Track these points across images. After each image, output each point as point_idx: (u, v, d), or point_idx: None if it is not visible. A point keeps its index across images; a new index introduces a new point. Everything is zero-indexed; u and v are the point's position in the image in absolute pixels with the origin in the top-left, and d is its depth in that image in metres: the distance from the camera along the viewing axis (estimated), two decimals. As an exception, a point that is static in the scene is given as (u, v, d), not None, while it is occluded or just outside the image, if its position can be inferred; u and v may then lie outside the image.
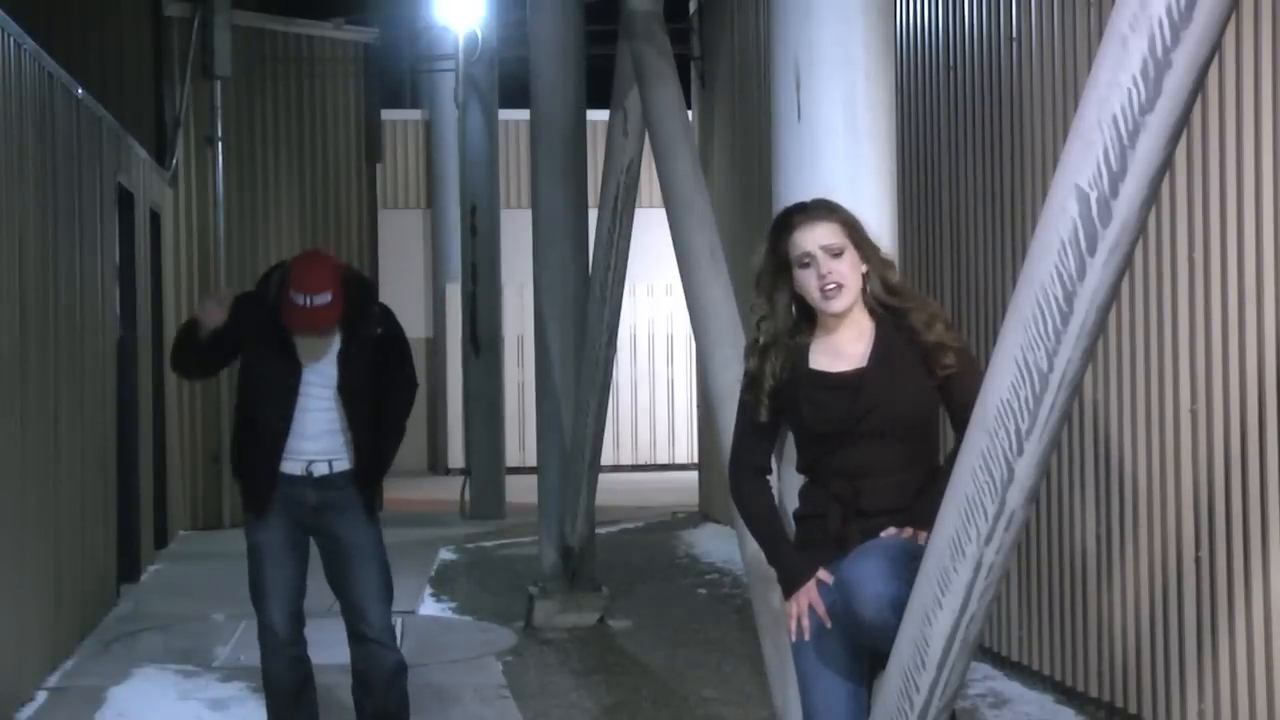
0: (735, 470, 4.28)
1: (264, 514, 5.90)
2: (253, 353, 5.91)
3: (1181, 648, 6.17)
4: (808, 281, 4.06)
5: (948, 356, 4.03)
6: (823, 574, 4.04)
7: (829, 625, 4.04)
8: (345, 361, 5.87)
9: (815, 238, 4.06)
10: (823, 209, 4.16)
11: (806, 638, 4.06)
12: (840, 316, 4.09)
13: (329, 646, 6.37)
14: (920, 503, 4.00)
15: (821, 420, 4.04)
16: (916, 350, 4.04)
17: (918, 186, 8.50)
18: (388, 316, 6.10)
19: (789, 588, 4.11)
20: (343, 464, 5.92)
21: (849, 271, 4.05)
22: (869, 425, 4.01)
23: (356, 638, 6.00)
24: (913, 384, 4.03)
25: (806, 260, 4.06)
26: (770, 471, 4.26)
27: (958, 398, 4.00)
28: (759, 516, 4.23)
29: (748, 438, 4.23)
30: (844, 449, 4.03)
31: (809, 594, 4.05)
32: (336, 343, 5.88)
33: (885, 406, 4.00)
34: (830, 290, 4.04)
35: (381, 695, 6.01)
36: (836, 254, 4.05)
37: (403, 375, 6.07)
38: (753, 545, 5.65)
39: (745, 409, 4.20)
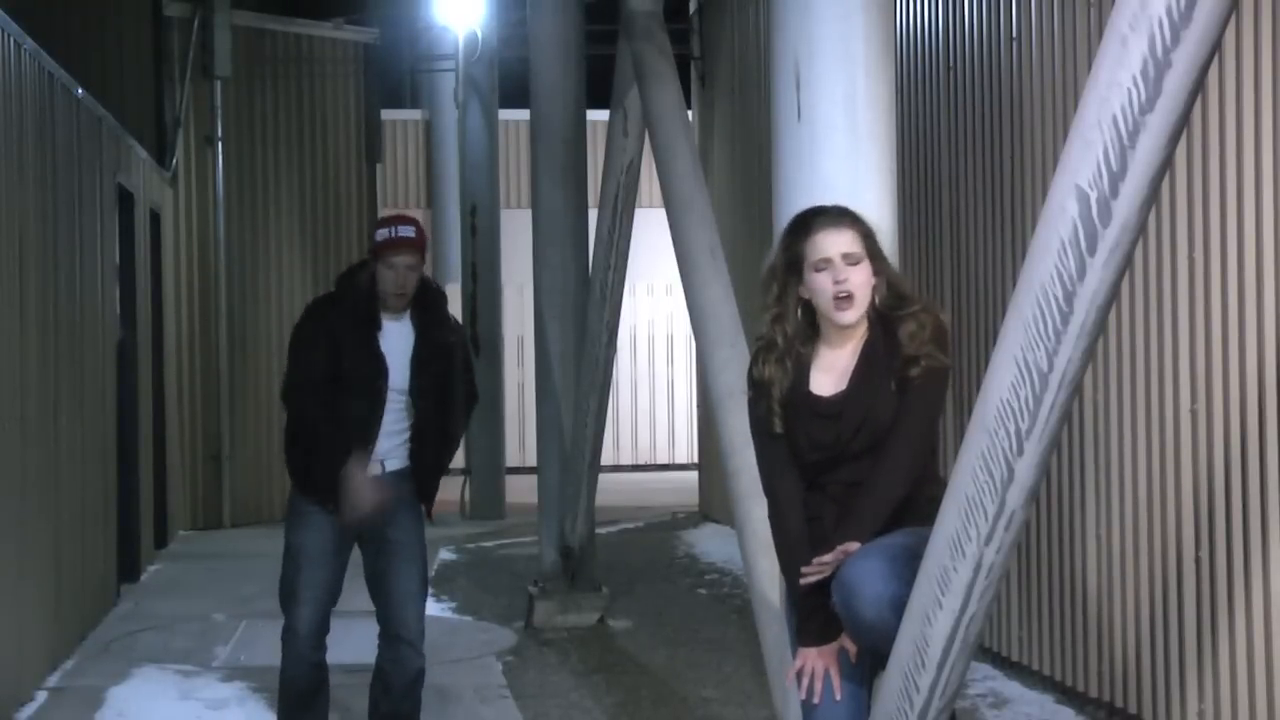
0: (772, 471, 4.11)
1: (332, 511, 5.84)
2: (344, 355, 5.84)
3: (1181, 648, 6.17)
4: (820, 285, 4.00)
5: (914, 368, 3.98)
6: (846, 642, 4.01)
7: (839, 698, 4.03)
8: (419, 365, 5.90)
9: (838, 244, 4.01)
10: (847, 216, 4.10)
11: (816, 701, 4.03)
12: (844, 328, 4.06)
13: (334, 647, 6.36)
14: (848, 515, 3.98)
15: (812, 448, 4.03)
16: (898, 360, 4.00)
17: (918, 186, 8.50)
18: (459, 330, 6.21)
19: (808, 640, 4.05)
20: (395, 463, 5.93)
21: (862, 283, 4.01)
22: (858, 446, 4.00)
23: (390, 637, 5.99)
24: (891, 401, 3.99)
25: (823, 265, 4.00)
26: (801, 487, 4.09)
27: (899, 409, 3.97)
28: (793, 530, 4.07)
29: (770, 449, 4.09)
30: (838, 468, 4.03)
31: (828, 659, 4.03)
32: (411, 346, 5.91)
33: (868, 428, 3.98)
34: (842, 299, 3.99)
35: (399, 697, 6.02)
36: (854, 263, 4.01)
37: (467, 388, 6.16)
38: (753, 545, 5.67)
39: (760, 423, 4.11)
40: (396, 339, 5.91)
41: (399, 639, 5.96)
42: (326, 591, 5.94)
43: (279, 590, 5.99)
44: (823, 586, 3.96)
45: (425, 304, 5.99)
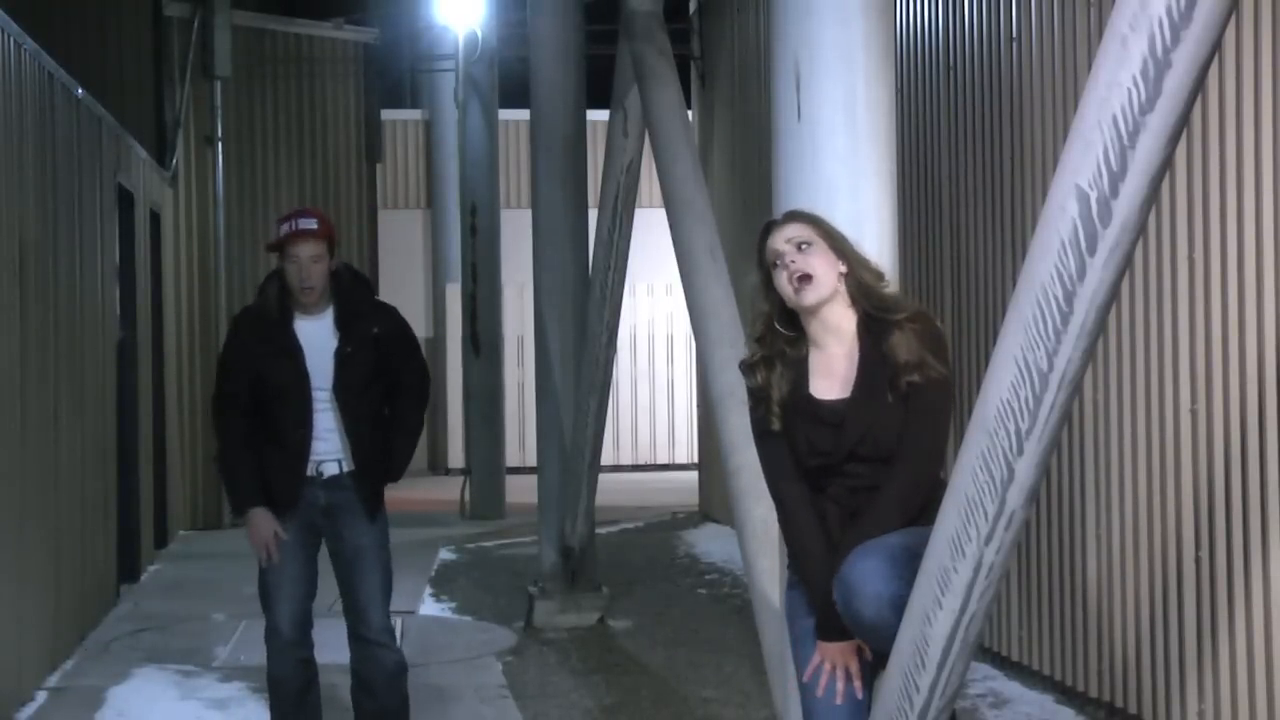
0: (776, 474, 4.12)
1: (280, 517, 5.88)
2: (262, 365, 5.85)
3: (1181, 648, 6.18)
4: (780, 281, 4.05)
5: (910, 376, 3.97)
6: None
7: (861, 698, 4.03)
8: (341, 361, 5.84)
9: (782, 235, 4.08)
10: (792, 214, 4.21)
11: (839, 701, 4.03)
12: (820, 318, 4.05)
13: (330, 646, 6.37)
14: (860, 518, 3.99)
15: (814, 454, 4.03)
16: (891, 368, 3.99)
17: (918, 186, 8.50)
18: (388, 314, 6.07)
19: (830, 635, 4.05)
20: (336, 466, 5.90)
21: (819, 264, 4.03)
22: (859, 453, 4.00)
23: (357, 639, 6.02)
24: (893, 409, 3.99)
25: (776, 260, 4.06)
26: (806, 486, 4.10)
27: (906, 424, 3.98)
28: (804, 526, 4.07)
29: (773, 450, 4.12)
30: (838, 474, 4.03)
31: (848, 655, 4.04)
32: (334, 341, 5.86)
33: (870, 437, 3.98)
34: (799, 281, 4.02)
35: (382, 695, 6.02)
36: (803, 246, 4.04)
37: (410, 370, 6.03)
38: (753, 544, 5.67)
39: (760, 423, 4.13)
40: (316, 337, 5.85)
41: (365, 639, 5.99)
42: (300, 586, 5.95)
43: (258, 593, 6.01)
44: (830, 565, 3.98)
45: (343, 297, 5.91)
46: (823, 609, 4.04)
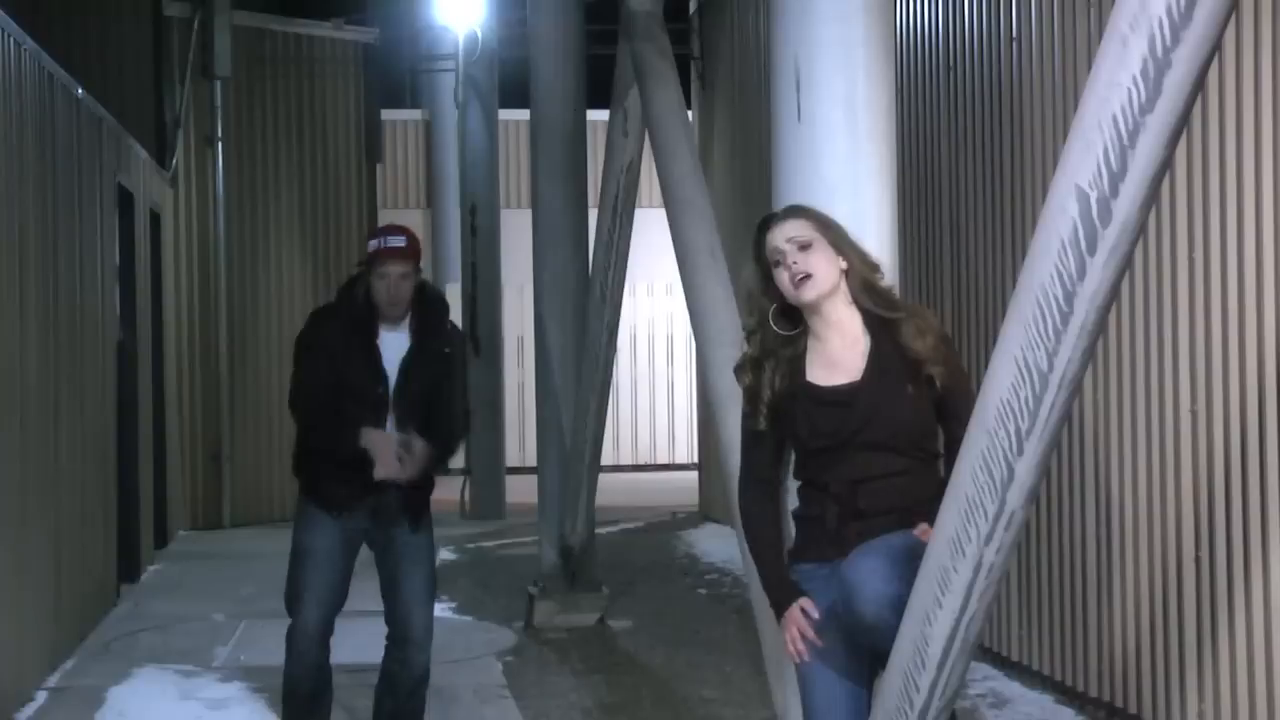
0: (743, 481, 4.26)
1: (337, 517, 5.87)
2: (343, 363, 5.84)
3: (1181, 648, 6.18)
4: (781, 279, 4.08)
5: (935, 368, 4.03)
6: (805, 603, 4.07)
7: (819, 644, 4.06)
8: (406, 371, 5.88)
9: (783, 233, 4.10)
10: (792, 210, 4.23)
11: (805, 659, 4.07)
12: (821, 313, 4.08)
13: (339, 647, 6.37)
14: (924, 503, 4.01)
15: (817, 436, 4.05)
16: (908, 361, 4.03)
17: (918, 186, 8.50)
18: (460, 341, 6.15)
19: (780, 604, 4.13)
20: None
21: (820, 262, 4.06)
22: (865, 439, 4.02)
23: (398, 640, 6.00)
24: (906, 397, 4.02)
25: (777, 258, 4.08)
26: (778, 483, 4.21)
27: (945, 412, 4.05)
28: (757, 529, 4.21)
29: (752, 450, 4.21)
30: (842, 462, 4.04)
31: (798, 620, 4.07)
32: (405, 350, 5.89)
33: (879, 421, 4.00)
34: (799, 280, 4.04)
35: (405, 697, 6.05)
36: (804, 245, 4.06)
37: (462, 404, 6.07)
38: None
39: (745, 419, 4.21)
40: (395, 348, 5.89)
41: (407, 641, 5.97)
42: (332, 594, 5.93)
43: (285, 591, 5.99)
44: (779, 554, 4.17)
45: (423, 312, 5.96)
46: (767, 587, 4.16)
